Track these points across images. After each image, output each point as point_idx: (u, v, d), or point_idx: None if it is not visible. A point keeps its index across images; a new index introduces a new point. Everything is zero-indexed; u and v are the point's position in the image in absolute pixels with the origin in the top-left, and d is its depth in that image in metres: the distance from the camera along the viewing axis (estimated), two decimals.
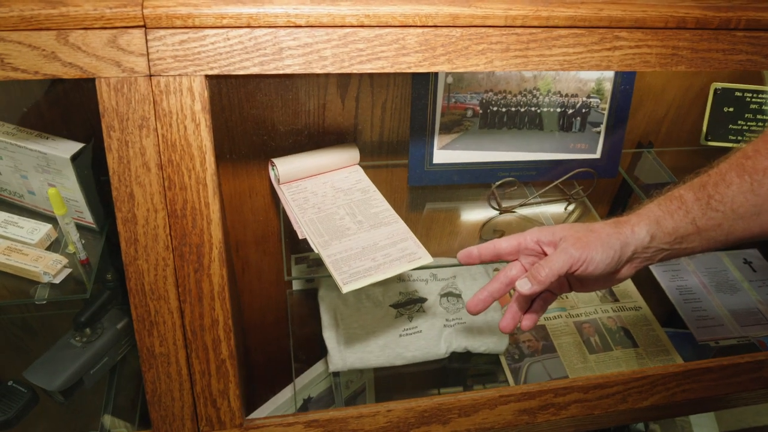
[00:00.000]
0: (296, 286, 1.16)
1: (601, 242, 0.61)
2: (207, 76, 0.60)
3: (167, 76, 0.58)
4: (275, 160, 0.88)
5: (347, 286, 0.75)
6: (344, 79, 0.89)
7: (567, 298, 1.20)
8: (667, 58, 0.69)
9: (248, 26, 0.58)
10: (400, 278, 1.12)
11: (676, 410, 0.91)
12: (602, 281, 0.66)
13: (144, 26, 0.56)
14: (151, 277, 0.65)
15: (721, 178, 0.62)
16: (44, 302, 0.72)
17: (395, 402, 0.78)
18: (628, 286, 1.23)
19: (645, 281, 1.22)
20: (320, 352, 1.05)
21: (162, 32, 0.57)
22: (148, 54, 0.57)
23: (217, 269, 0.66)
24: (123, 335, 0.95)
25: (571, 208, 1.00)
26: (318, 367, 1.08)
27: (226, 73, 0.60)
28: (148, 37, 0.57)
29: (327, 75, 0.87)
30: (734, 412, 1.46)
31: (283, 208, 0.88)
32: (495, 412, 0.80)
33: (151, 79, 0.58)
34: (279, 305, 1.17)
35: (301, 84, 0.88)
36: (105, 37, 0.56)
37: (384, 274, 0.77)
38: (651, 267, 1.22)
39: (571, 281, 0.69)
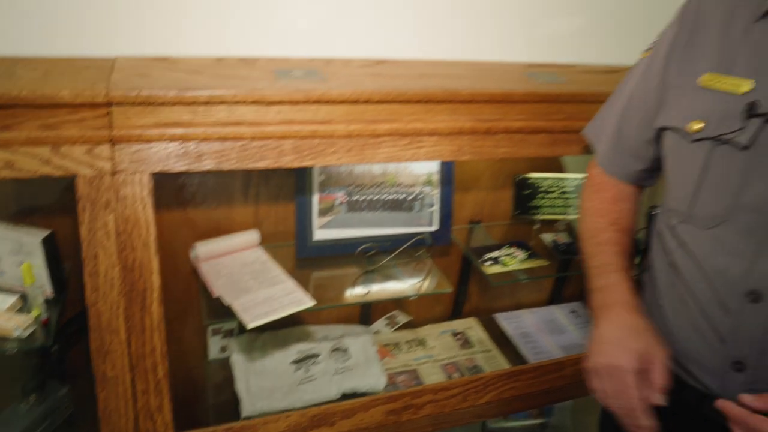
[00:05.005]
0: (213, 355, 1.39)
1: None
2: (152, 173, 0.91)
3: (125, 173, 0.89)
4: (197, 244, 1.17)
5: (252, 323, 1.03)
6: (246, 179, 1.22)
7: (434, 347, 1.51)
8: (455, 153, 1.08)
9: (181, 140, 0.91)
10: (298, 339, 1.39)
11: (506, 406, 1.21)
12: None
13: (112, 141, 0.87)
14: (107, 316, 0.90)
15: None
16: (15, 351, 0.94)
17: (293, 410, 1.03)
18: (481, 334, 1.56)
19: (493, 330, 1.56)
20: (235, 409, 1.26)
21: (123, 145, 0.88)
22: (113, 159, 0.88)
23: (156, 308, 0.92)
24: (64, 402, 1.13)
25: (420, 268, 1.34)
26: None
27: (165, 170, 0.91)
28: (114, 149, 0.87)
29: (234, 177, 1.20)
30: None
31: (203, 280, 1.16)
32: (369, 414, 1.07)
33: (114, 175, 0.88)
34: (198, 374, 1.38)
35: (216, 183, 1.20)
36: (85, 148, 0.86)
37: (279, 313, 1.06)
38: (498, 318, 1.57)
39: None
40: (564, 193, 1.50)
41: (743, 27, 0.77)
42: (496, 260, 1.36)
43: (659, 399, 0.76)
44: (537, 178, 1.48)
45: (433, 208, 1.33)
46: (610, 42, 1.42)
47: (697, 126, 0.79)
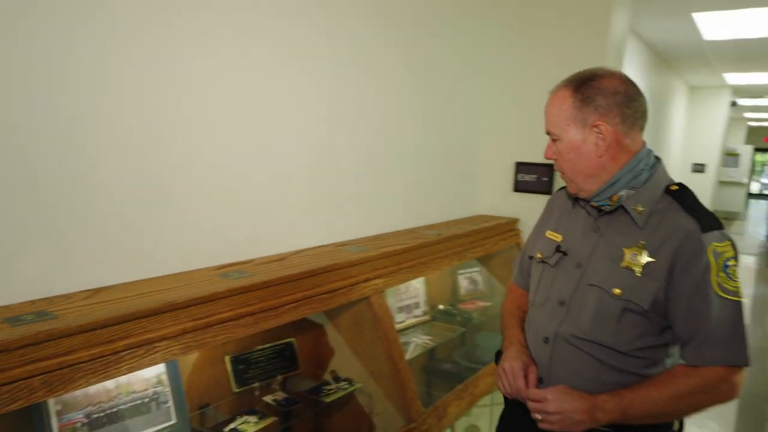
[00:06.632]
0: None
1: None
2: None
3: None
4: None
5: None
6: None
7: None
8: (184, 350, 1.33)
9: None
10: None
11: None
12: None
13: None
14: None
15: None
16: None
17: None
18: None
19: None
20: None
21: None
22: None
23: None
24: None
25: None
26: None
27: None
28: None
29: None
30: None
31: None
32: None
33: None
34: None
35: None
36: None
37: None
38: None
39: None
40: (271, 359, 1.84)
41: (567, 210, 1.50)
42: (235, 431, 1.58)
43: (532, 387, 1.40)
44: (246, 354, 1.79)
45: (169, 403, 1.50)
46: (276, 238, 1.89)
47: (538, 255, 1.50)
